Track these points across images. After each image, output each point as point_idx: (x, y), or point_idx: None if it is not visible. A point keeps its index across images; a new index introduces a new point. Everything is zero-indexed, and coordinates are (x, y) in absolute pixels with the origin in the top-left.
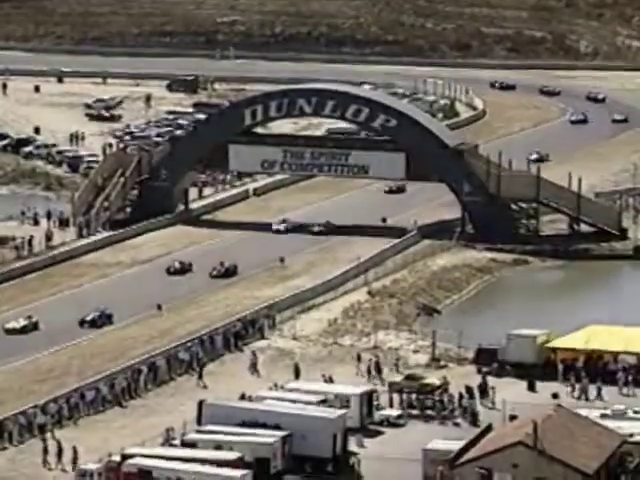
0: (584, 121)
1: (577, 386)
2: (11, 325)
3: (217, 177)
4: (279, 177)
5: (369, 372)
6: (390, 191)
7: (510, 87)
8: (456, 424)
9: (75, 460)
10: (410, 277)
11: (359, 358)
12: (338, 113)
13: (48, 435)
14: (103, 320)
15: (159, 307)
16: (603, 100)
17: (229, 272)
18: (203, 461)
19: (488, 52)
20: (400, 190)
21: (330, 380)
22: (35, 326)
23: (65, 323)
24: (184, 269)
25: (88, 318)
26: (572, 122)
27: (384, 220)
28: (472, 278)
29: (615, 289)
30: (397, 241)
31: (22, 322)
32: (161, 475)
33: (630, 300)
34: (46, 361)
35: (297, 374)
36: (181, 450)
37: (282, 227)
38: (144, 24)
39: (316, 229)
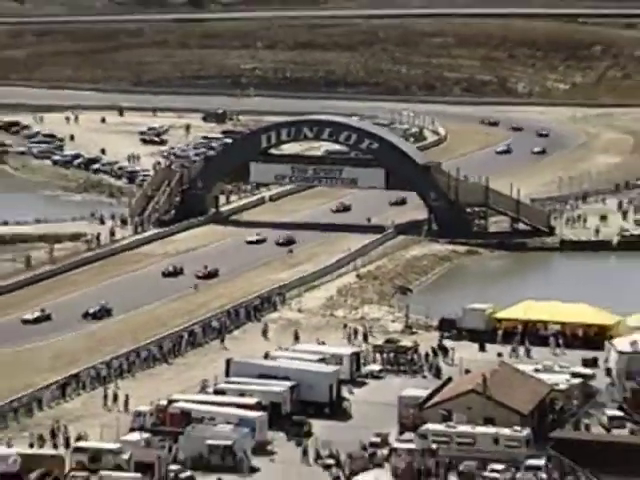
0: (507, 151)
1: (516, 348)
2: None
3: (240, 187)
4: (288, 187)
5: (349, 338)
6: (337, 210)
7: (468, 119)
8: (424, 377)
9: (127, 404)
10: (389, 264)
11: (345, 326)
12: (333, 138)
13: (111, 385)
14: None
15: (195, 287)
16: (521, 129)
17: (287, 241)
18: (230, 405)
19: (448, 92)
20: (346, 209)
21: (323, 343)
22: (48, 317)
23: (130, 299)
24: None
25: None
26: (497, 152)
27: (369, 220)
28: (436, 265)
29: (545, 273)
30: (379, 236)
31: (36, 314)
32: (198, 415)
33: (556, 282)
34: (104, 330)
35: (296, 338)
36: (213, 396)
37: (254, 239)
38: (184, 70)
39: (280, 241)
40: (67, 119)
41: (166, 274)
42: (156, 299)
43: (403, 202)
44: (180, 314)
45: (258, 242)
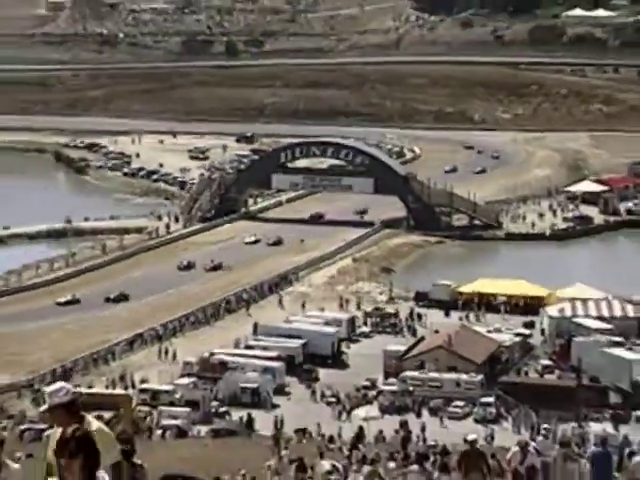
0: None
1: (473, 314)
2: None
3: (264, 192)
4: (300, 192)
5: (341, 305)
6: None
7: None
8: (403, 336)
9: (175, 356)
10: (377, 250)
11: (341, 298)
12: (334, 155)
13: (167, 342)
14: (191, 266)
15: (229, 267)
16: (478, 150)
17: (277, 242)
18: (257, 357)
19: (422, 120)
20: (320, 217)
21: (322, 310)
22: (78, 301)
23: (178, 278)
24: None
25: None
26: (446, 172)
27: (362, 216)
28: (412, 251)
29: (494, 258)
30: (369, 229)
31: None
32: (232, 365)
33: (503, 264)
34: (159, 301)
35: (303, 306)
36: (244, 350)
37: (251, 239)
38: (222, 103)
39: (270, 242)
40: (133, 141)
41: (182, 267)
42: (198, 278)
43: (320, 217)
44: (219, 288)
45: (255, 242)
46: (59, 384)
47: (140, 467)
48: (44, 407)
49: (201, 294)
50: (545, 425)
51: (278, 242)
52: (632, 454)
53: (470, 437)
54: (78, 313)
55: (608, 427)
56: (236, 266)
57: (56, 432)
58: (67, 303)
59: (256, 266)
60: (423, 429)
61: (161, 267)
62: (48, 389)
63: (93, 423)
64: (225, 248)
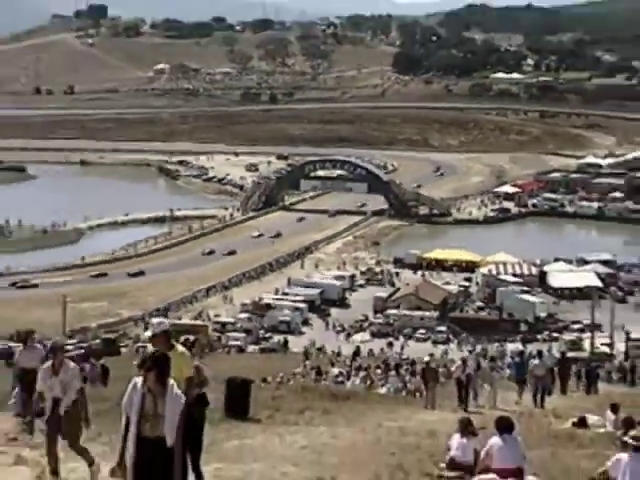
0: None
1: (432, 273)
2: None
3: (294, 192)
4: (318, 192)
5: (339, 267)
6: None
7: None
8: (385, 287)
9: (231, 301)
10: (369, 230)
11: (344, 262)
12: (341, 168)
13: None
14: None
15: (272, 242)
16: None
17: (277, 235)
18: (290, 300)
19: (398, 145)
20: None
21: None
22: (211, 252)
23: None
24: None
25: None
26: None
27: (362, 206)
28: (392, 231)
29: (446, 236)
30: (364, 217)
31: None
32: (273, 305)
33: (452, 240)
34: (225, 263)
35: (316, 267)
36: (281, 296)
37: (255, 234)
38: (267, 134)
39: (272, 235)
40: (208, 159)
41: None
42: (248, 249)
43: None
44: (264, 255)
45: (259, 236)
46: (159, 319)
47: (199, 369)
48: (149, 334)
49: (252, 258)
50: (478, 345)
51: (277, 235)
52: (531, 358)
53: (425, 359)
54: (172, 272)
55: (519, 346)
56: (276, 240)
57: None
58: (183, 264)
59: (288, 240)
60: (402, 347)
61: (226, 241)
62: (153, 321)
63: (179, 347)
64: (262, 228)
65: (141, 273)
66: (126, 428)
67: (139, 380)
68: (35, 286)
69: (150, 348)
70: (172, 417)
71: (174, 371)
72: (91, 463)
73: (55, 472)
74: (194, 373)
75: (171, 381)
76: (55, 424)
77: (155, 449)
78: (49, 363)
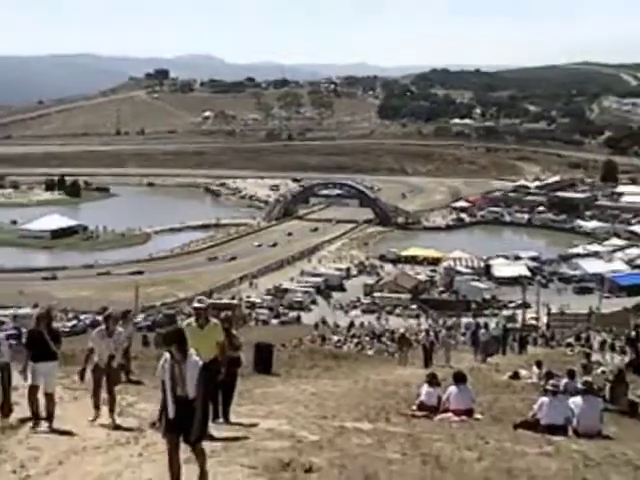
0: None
1: (406, 265)
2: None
3: (305, 206)
4: (323, 206)
5: (334, 261)
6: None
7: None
8: (372, 277)
9: (256, 287)
10: (360, 234)
11: (340, 258)
12: (340, 188)
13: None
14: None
15: (287, 242)
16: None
17: (274, 244)
18: (302, 286)
19: (381, 172)
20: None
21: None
22: (215, 258)
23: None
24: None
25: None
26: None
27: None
28: (378, 235)
29: (417, 239)
30: (356, 224)
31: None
32: (290, 289)
33: (421, 242)
34: (253, 259)
35: (319, 262)
36: (295, 283)
37: (256, 244)
38: (286, 163)
39: (270, 244)
40: (241, 182)
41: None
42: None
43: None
44: (283, 252)
45: (259, 246)
46: (201, 297)
47: (235, 337)
48: (194, 305)
49: (269, 256)
50: (440, 319)
51: (274, 245)
52: (478, 329)
53: (401, 330)
54: (216, 265)
55: (471, 320)
56: (289, 242)
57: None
58: (210, 260)
59: (300, 242)
60: (385, 321)
61: (256, 242)
62: (195, 299)
63: (212, 320)
64: (281, 234)
65: (191, 266)
66: (163, 391)
67: (167, 354)
68: (113, 275)
69: (187, 321)
70: (192, 377)
71: (209, 337)
72: (112, 409)
73: (97, 407)
74: (232, 340)
75: (190, 350)
76: (104, 373)
77: (184, 404)
78: (103, 327)
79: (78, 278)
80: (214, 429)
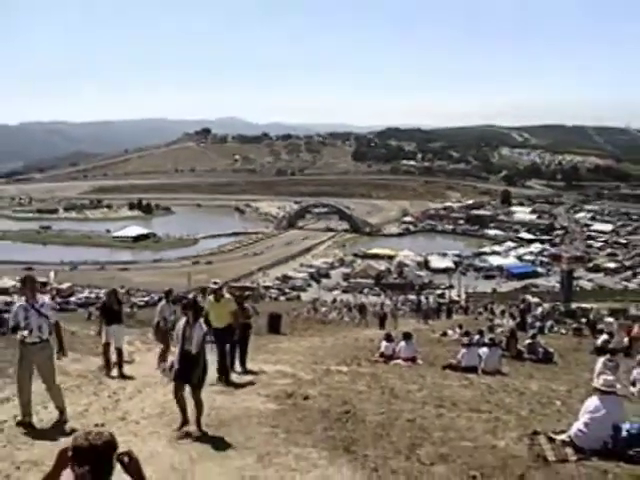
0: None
1: (370, 260)
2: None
3: (302, 219)
4: (315, 220)
5: (322, 257)
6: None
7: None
8: (348, 268)
9: (268, 275)
10: (340, 239)
11: (326, 255)
12: (326, 207)
13: (268, 270)
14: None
15: (291, 243)
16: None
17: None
18: (300, 274)
19: (355, 196)
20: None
21: (320, 259)
22: (197, 262)
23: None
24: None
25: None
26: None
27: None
28: (352, 240)
29: (378, 242)
30: (336, 232)
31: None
32: (292, 277)
33: (381, 244)
34: (265, 256)
35: (312, 257)
36: (296, 272)
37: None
38: (289, 191)
39: (280, 246)
40: (259, 202)
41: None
42: (281, 247)
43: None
44: (287, 251)
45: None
46: (216, 280)
47: (246, 309)
48: (211, 285)
49: (278, 254)
50: (395, 297)
51: (288, 244)
52: (420, 303)
53: (361, 301)
54: (241, 260)
55: (414, 297)
56: (294, 244)
57: (210, 298)
58: (246, 256)
59: (299, 244)
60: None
61: (268, 245)
62: (211, 281)
63: (226, 295)
64: (286, 239)
65: (223, 260)
66: (176, 345)
67: (184, 318)
68: (172, 267)
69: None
70: (197, 338)
71: (224, 308)
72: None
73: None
74: (245, 312)
75: (200, 319)
76: (164, 333)
77: (188, 356)
78: (165, 302)
79: (149, 269)
80: (234, 376)
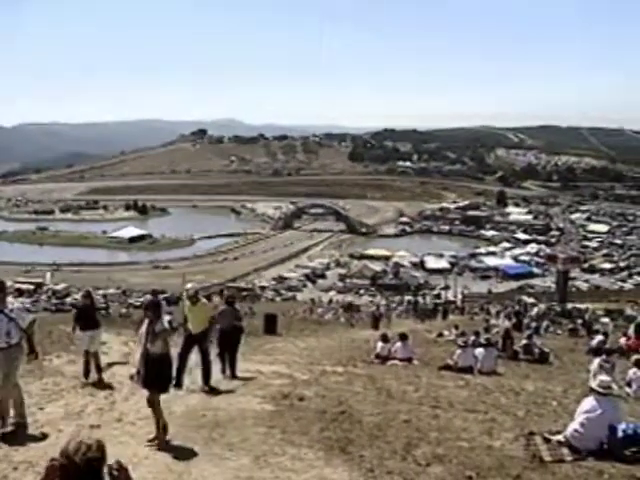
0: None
1: (367, 260)
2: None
3: (298, 220)
4: (312, 220)
5: (318, 258)
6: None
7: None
8: (344, 269)
9: (264, 276)
10: (336, 240)
11: (323, 256)
12: (321, 208)
13: (263, 271)
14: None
15: (286, 244)
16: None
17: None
18: (295, 274)
19: (349, 197)
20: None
21: (316, 259)
22: (236, 258)
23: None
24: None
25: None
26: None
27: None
28: (348, 240)
29: (375, 243)
30: (333, 233)
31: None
32: (288, 277)
33: (377, 245)
34: (261, 257)
35: (308, 258)
36: (291, 272)
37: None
38: (286, 191)
39: (277, 247)
40: (256, 203)
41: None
42: (277, 248)
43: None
44: (283, 252)
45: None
46: (192, 283)
47: (238, 310)
48: (188, 286)
49: (274, 255)
50: (390, 297)
51: (288, 245)
52: (417, 303)
53: (347, 299)
54: (237, 261)
55: (411, 297)
56: (290, 245)
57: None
58: (242, 257)
59: (295, 245)
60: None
61: (264, 245)
62: (187, 284)
63: (202, 299)
64: (282, 239)
65: (220, 261)
66: (138, 348)
67: (147, 319)
68: (168, 267)
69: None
70: (160, 337)
71: (200, 313)
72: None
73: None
74: (236, 313)
75: (163, 317)
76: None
77: (152, 358)
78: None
79: (146, 270)
80: (222, 383)
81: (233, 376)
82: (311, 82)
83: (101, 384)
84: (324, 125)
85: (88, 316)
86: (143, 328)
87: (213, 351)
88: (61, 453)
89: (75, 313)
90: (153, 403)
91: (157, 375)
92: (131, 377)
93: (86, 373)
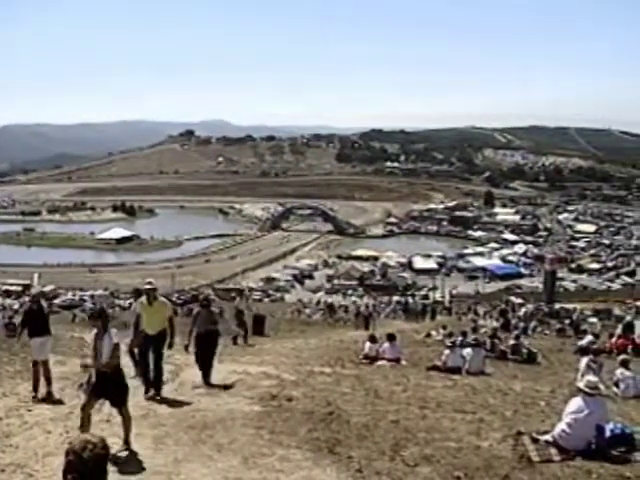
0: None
1: (355, 262)
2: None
3: (286, 221)
4: (299, 221)
5: (306, 259)
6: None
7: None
8: (332, 269)
9: (251, 277)
10: (324, 241)
11: (312, 257)
12: (310, 209)
13: (251, 272)
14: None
15: (275, 245)
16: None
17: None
18: (283, 276)
19: (337, 198)
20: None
21: (303, 260)
22: (234, 257)
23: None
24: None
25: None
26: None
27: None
28: (335, 241)
29: (362, 244)
30: (320, 233)
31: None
32: (276, 278)
33: (366, 245)
34: (249, 258)
35: (297, 259)
36: (280, 273)
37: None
38: (275, 192)
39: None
40: (243, 204)
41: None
42: (265, 249)
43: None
44: (271, 252)
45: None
46: (150, 279)
47: (214, 313)
48: (145, 286)
49: (262, 256)
50: (379, 298)
51: (277, 245)
52: (407, 303)
53: (329, 300)
54: (225, 262)
55: (400, 298)
56: (278, 246)
57: (142, 300)
58: (230, 258)
59: (283, 246)
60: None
61: (252, 246)
62: (145, 281)
63: (161, 298)
64: (270, 240)
65: (209, 262)
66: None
67: (95, 329)
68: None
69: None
70: (108, 349)
71: (159, 313)
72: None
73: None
74: (212, 316)
75: (111, 329)
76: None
77: (105, 373)
78: (134, 301)
79: (133, 271)
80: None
81: (206, 383)
82: (298, 83)
83: (50, 398)
84: (312, 126)
85: (37, 322)
86: (91, 339)
87: (191, 357)
88: (68, 451)
89: (21, 318)
90: (85, 409)
91: (113, 389)
92: (80, 385)
93: (35, 387)
